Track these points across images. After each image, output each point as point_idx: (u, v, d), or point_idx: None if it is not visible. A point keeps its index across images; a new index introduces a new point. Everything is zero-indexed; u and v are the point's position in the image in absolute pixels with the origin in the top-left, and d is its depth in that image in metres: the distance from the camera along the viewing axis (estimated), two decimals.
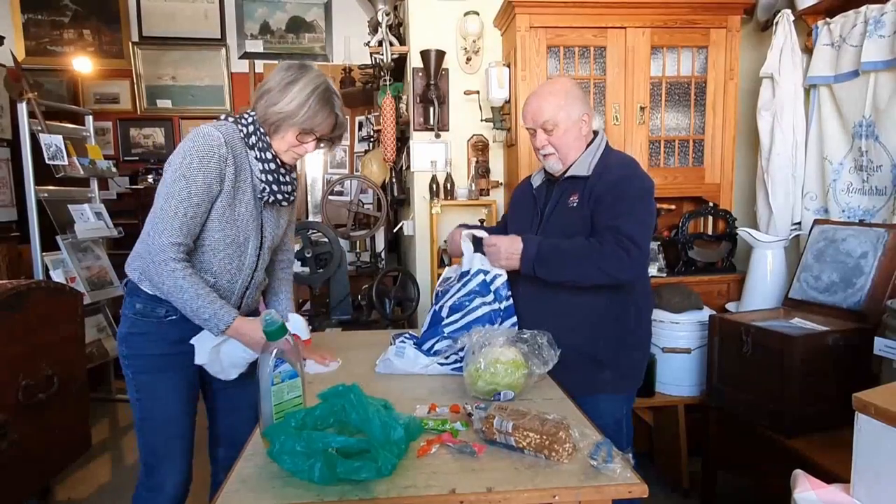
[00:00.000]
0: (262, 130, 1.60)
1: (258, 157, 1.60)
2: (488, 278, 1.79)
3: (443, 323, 1.79)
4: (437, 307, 1.85)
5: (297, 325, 1.77)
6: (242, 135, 1.60)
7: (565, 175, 1.86)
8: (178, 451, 1.68)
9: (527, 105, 1.89)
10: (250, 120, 1.61)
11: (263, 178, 1.61)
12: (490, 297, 1.77)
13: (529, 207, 1.97)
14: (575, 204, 1.81)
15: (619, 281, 1.74)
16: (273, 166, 1.62)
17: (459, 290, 1.81)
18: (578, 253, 1.72)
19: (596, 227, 1.76)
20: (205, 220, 1.55)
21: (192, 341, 1.59)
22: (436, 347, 1.77)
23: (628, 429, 1.92)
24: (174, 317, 1.59)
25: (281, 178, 1.65)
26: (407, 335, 1.89)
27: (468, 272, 1.81)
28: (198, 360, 1.60)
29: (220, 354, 1.60)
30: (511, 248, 1.76)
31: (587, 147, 1.88)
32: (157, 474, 1.66)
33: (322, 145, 1.70)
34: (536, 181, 2.01)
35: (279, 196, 1.66)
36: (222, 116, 1.65)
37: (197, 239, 1.56)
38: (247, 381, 1.67)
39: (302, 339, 1.70)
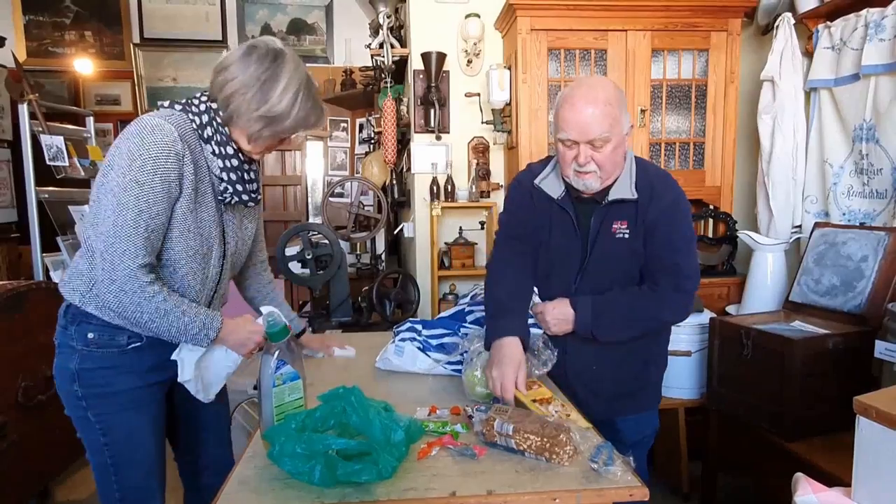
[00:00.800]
0: (218, 120, 1.35)
1: (216, 151, 1.36)
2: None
3: (466, 321, 1.77)
4: (466, 306, 1.81)
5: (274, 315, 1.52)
6: (195, 126, 1.35)
7: (607, 198, 1.60)
8: (157, 485, 1.50)
9: (572, 110, 1.50)
10: (203, 108, 1.35)
11: (226, 178, 1.38)
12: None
13: (565, 228, 1.66)
14: (626, 235, 1.60)
15: (678, 322, 1.75)
16: (236, 162, 1.39)
17: None
18: (637, 310, 1.60)
19: (651, 261, 1.60)
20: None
21: (174, 356, 1.39)
22: (444, 341, 1.76)
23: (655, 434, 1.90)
24: (138, 343, 1.39)
25: (246, 176, 1.42)
26: (408, 323, 1.84)
27: None
28: (182, 378, 1.39)
29: (201, 370, 1.42)
30: (560, 314, 1.62)
31: None
32: None
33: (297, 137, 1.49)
34: (554, 191, 1.65)
35: (245, 196, 1.43)
36: (166, 103, 1.38)
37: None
38: (217, 406, 1.59)
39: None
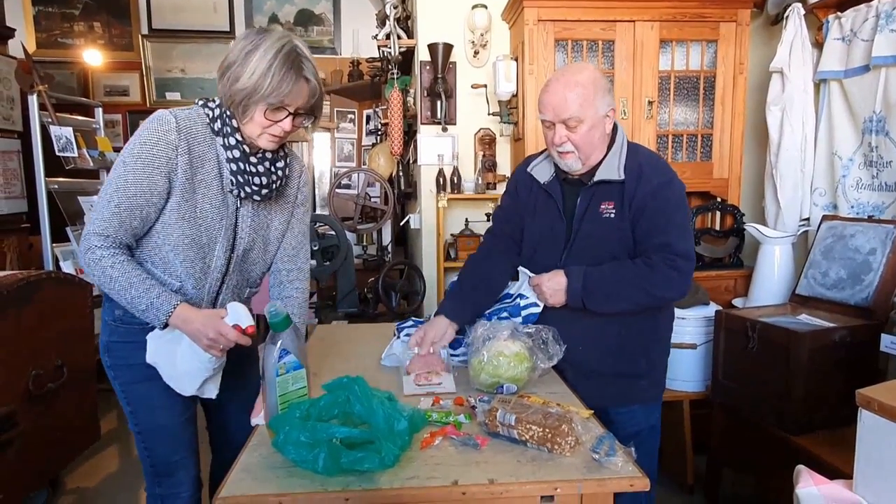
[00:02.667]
0: (228, 114, 1.39)
1: (224, 143, 1.40)
2: (522, 303, 1.75)
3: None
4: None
5: (237, 312, 1.37)
6: (208, 119, 1.41)
7: (593, 179, 1.66)
8: (187, 455, 1.57)
9: (548, 94, 1.61)
10: (217, 103, 1.41)
11: (228, 168, 1.41)
12: (518, 320, 1.74)
13: (549, 210, 1.74)
14: (612, 214, 1.64)
15: (672, 301, 1.70)
16: (237, 154, 1.40)
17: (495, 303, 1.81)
18: (628, 281, 1.60)
19: (641, 242, 1.63)
20: (157, 215, 1.37)
21: (147, 336, 1.41)
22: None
23: (657, 431, 1.85)
24: None
25: (250, 168, 1.42)
26: (411, 321, 1.88)
27: (511, 295, 1.80)
28: (148, 359, 1.42)
29: (175, 357, 1.41)
30: (554, 284, 1.64)
31: (610, 145, 1.68)
32: (169, 482, 1.56)
33: (303, 122, 1.44)
34: (543, 176, 1.75)
35: (247, 189, 1.42)
36: (197, 100, 1.45)
37: (149, 236, 1.40)
38: (246, 381, 1.59)
39: (243, 327, 1.36)
